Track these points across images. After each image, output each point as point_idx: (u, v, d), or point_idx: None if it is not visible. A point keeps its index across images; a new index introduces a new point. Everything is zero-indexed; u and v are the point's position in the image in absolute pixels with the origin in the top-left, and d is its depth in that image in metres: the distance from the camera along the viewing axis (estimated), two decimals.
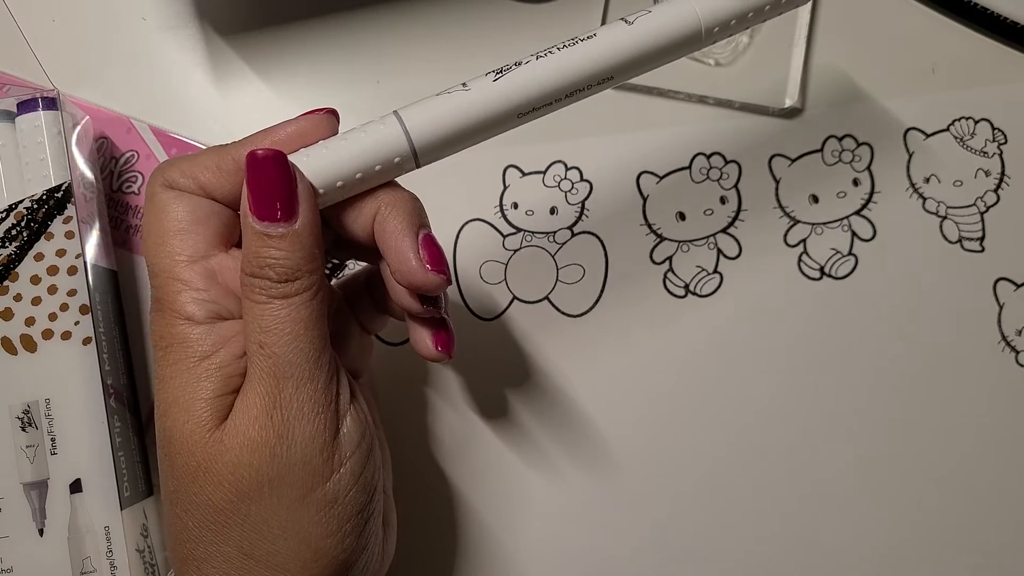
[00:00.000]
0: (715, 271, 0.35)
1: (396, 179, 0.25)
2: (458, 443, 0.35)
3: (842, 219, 0.36)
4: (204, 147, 0.25)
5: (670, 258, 0.36)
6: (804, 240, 0.36)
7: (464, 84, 0.25)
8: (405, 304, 0.26)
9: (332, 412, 0.24)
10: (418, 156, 0.24)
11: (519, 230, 0.36)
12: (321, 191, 0.24)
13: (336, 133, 0.25)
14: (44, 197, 0.31)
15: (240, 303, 0.24)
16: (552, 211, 0.36)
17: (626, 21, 0.25)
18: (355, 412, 0.25)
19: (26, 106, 0.32)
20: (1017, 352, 0.35)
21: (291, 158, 0.24)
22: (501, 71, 0.25)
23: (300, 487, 0.23)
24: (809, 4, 0.36)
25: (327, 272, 0.29)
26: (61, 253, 0.31)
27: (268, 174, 0.23)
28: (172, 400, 0.24)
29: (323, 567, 0.24)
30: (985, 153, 0.36)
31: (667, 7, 0.26)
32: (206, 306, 0.24)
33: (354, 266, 0.33)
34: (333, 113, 0.25)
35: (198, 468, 0.23)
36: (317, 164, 0.24)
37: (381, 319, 0.29)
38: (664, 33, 0.25)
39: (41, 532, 0.30)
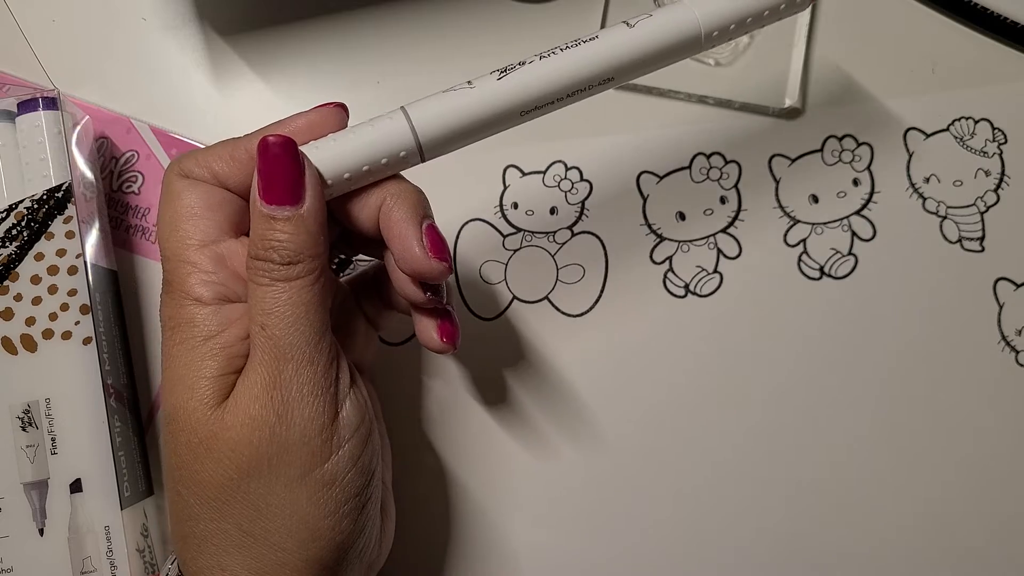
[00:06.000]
0: (715, 271, 0.35)
1: (401, 173, 0.26)
2: (457, 443, 0.35)
3: (842, 219, 0.36)
4: (204, 147, 0.26)
5: (670, 258, 0.36)
6: (804, 240, 0.36)
7: (469, 82, 0.25)
8: (409, 293, 0.26)
9: (331, 395, 0.24)
10: (423, 151, 0.25)
11: (519, 230, 0.36)
12: (328, 182, 0.25)
13: (345, 127, 0.26)
14: (44, 197, 0.31)
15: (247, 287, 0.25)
16: (552, 211, 0.36)
17: (628, 24, 0.26)
18: (355, 397, 0.25)
19: (26, 106, 0.32)
20: (1017, 352, 0.35)
21: (301, 148, 0.24)
22: (505, 70, 0.25)
23: (299, 466, 0.24)
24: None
25: (334, 267, 0.30)
26: (61, 253, 0.31)
27: (277, 160, 0.24)
28: (177, 378, 0.24)
29: (320, 548, 0.24)
30: (985, 153, 0.36)
31: (668, 11, 0.26)
32: (214, 288, 0.25)
33: (357, 264, 0.33)
34: (343, 107, 0.26)
35: (200, 444, 0.24)
36: (325, 155, 0.25)
37: (387, 314, 0.30)
38: (664, 37, 0.26)
39: (41, 532, 0.30)
